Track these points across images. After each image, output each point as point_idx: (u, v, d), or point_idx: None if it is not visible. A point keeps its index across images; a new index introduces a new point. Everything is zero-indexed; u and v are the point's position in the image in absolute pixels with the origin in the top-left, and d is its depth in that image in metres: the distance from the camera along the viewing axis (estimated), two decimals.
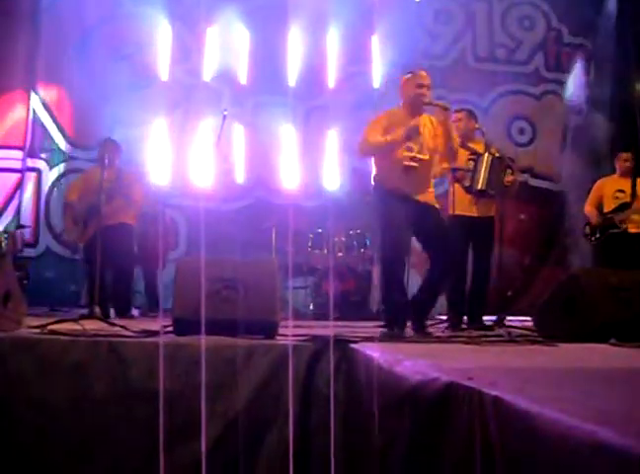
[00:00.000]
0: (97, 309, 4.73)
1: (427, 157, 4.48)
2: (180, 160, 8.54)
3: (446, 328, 5.24)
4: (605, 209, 6.63)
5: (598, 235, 6.60)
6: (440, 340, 4.29)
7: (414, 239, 4.65)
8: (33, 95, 8.68)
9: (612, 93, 8.88)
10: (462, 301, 5.46)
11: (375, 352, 3.01)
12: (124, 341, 3.60)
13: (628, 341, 3.73)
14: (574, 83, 9.16)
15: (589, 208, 6.74)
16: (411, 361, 2.58)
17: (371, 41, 9.12)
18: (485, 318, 5.40)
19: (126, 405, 3.38)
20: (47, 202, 8.67)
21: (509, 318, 5.43)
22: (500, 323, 4.78)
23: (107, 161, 5.28)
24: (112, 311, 6.22)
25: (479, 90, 9.01)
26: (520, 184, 5.92)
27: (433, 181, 4.72)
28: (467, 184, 5.33)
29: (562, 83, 9.29)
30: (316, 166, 8.85)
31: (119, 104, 7.93)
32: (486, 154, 5.24)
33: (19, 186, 8.60)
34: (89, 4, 8.69)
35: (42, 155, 8.75)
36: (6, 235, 7.27)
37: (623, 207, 6.51)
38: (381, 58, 9.05)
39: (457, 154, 4.85)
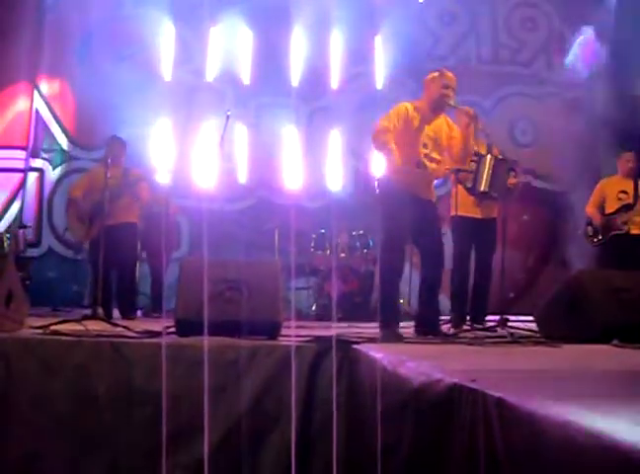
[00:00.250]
0: (99, 310, 4.72)
1: (439, 157, 4.53)
2: (183, 160, 8.53)
3: (449, 328, 5.23)
4: (608, 210, 6.58)
5: (600, 237, 6.57)
6: (443, 341, 4.28)
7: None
8: (35, 92, 8.70)
9: (612, 93, 8.86)
10: (465, 301, 5.46)
11: (378, 353, 3.01)
12: (127, 341, 3.60)
13: (631, 342, 3.72)
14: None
15: (590, 209, 6.67)
16: (414, 363, 2.58)
17: (375, 42, 9.10)
18: (488, 319, 5.40)
19: (129, 405, 3.38)
20: (50, 202, 8.68)
21: (511, 319, 5.42)
22: (503, 324, 4.77)
23: (110, 160, 5.25)
24: (115, 312, 6.21)
25: (482, 91, 9.00)
26: (522, 185, 5.91)
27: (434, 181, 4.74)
28: (469, 185, 5.32)
29: (565, 84, 9.28)
30: (319, 167, 8.83)
31: (121, 103, 7.91)
32: (488, 156, 5.21)
33: (21, 186, 8.62)
34: (93, 3, 8.70)
35: (45, 155, 8.77)
36: (8, 235, 7.26)
37: (626, 209, 6.49)
38: (384, 59, 9.03)
39: (469, 157, 4.87)
